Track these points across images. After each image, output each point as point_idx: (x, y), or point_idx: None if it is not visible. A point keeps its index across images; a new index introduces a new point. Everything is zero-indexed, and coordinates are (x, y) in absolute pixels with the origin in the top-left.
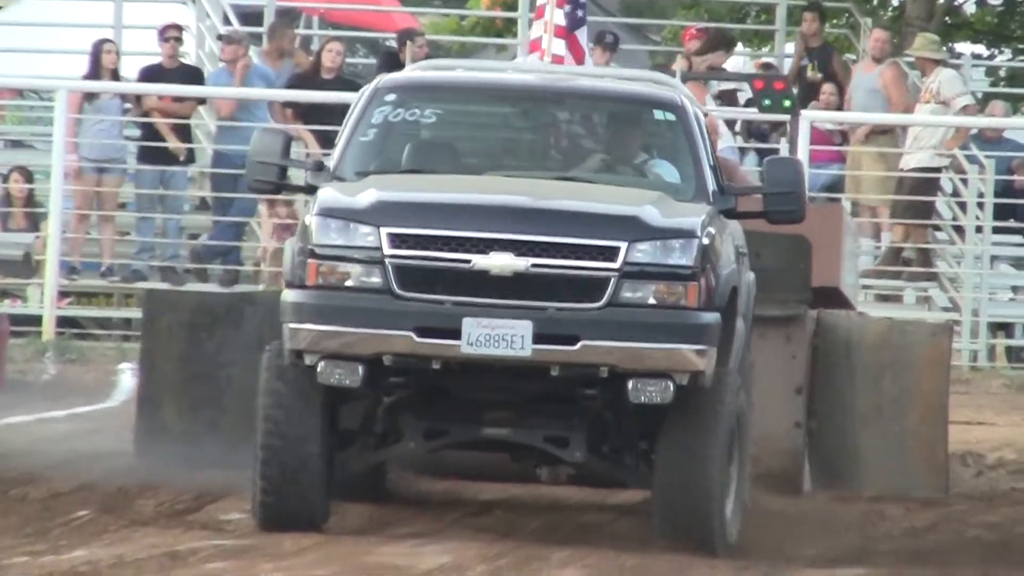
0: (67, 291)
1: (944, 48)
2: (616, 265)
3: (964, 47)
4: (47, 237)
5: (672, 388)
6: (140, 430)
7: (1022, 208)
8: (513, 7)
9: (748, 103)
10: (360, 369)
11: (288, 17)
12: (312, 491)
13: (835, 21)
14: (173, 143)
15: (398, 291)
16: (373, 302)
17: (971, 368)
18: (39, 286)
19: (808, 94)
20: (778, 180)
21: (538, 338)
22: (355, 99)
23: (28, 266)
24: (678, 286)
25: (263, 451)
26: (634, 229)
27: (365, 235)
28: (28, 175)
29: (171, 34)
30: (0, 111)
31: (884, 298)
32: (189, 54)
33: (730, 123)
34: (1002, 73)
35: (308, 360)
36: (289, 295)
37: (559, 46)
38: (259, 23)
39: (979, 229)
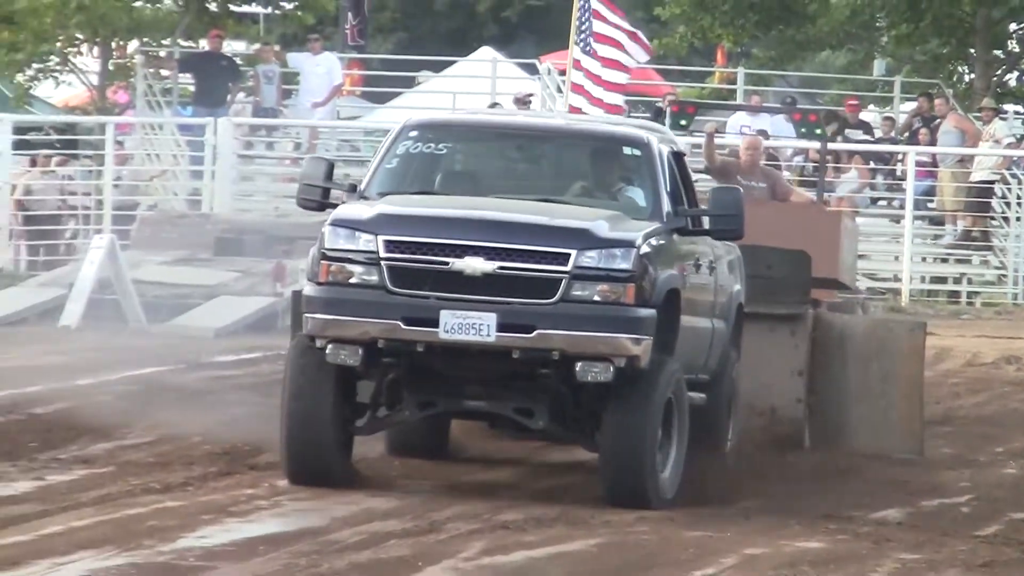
0: None
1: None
2: (567, 268)
3: (1009, 107)
4: None
5: (612, 369)
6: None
7: None
8: (733, 81)
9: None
10: (360, 351)
11: None
12: (328, 451)
13: (931, 91)
14: None
15: (391, 287)
16: (370, 296)
17: (1013, 304)
18: None
19: (914, 139)
20: (722, 205)
21: (501, 327)
22: (387, 135)
23: None
24: (618, 287)
25: (287, 419)
26: (583, 239)
27: (367, 241)
28: None
29: (524, 99)
30: None
31: (959, 261)
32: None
33: (865, 157)
34: None
35: (319, 343)
36: (307, 289)
37: (577, 101)
38: None
39: (1019, 219)
